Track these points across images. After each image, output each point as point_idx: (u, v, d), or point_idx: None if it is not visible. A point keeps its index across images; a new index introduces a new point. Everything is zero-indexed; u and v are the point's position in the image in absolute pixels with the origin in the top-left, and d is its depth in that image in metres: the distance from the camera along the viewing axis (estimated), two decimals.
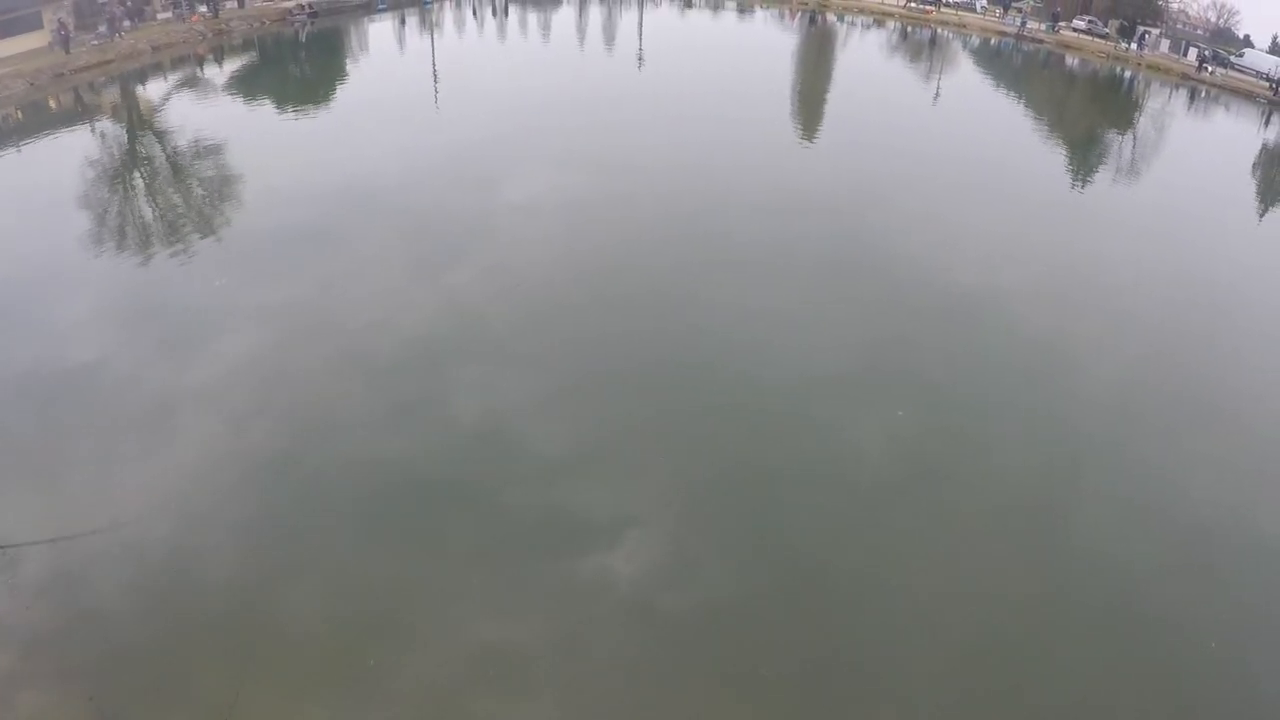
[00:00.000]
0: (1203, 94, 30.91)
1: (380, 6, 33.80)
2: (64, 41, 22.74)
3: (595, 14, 36.08)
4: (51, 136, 17.59)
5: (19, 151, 16.89)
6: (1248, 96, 30.80)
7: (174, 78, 23.29)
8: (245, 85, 22.62)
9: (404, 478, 7.46)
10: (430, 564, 6.70)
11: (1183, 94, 30.67)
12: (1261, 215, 17.31)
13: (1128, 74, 33.43)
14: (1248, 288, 12.99)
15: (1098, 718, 5.98)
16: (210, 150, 17.07)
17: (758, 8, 40.37)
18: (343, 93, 22.01)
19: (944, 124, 19.36)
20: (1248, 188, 19.20)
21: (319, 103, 20.59)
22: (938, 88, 23.16)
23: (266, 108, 20.31)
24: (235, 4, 29.86)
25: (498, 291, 10.41)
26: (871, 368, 8.80)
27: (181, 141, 17.45)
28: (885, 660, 5.96)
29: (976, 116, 21.86)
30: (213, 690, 5.61)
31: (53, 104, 20.80)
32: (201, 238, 13.27)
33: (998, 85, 29.11)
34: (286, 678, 5.81)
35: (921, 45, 35.67)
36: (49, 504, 7.48)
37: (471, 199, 13.44)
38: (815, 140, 16.56)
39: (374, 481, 7.46)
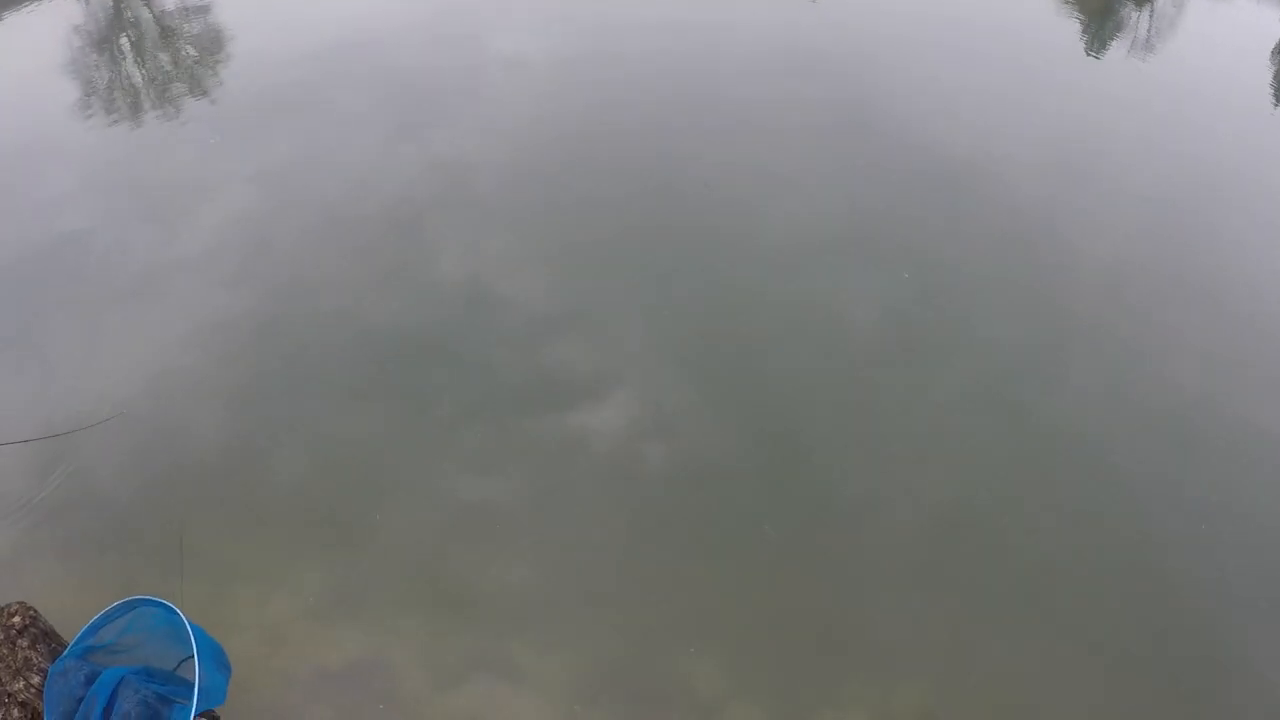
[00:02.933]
0: None
1: None
2: None
3: None
4: (33, 5, 17.16)
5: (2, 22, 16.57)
6: None
7: None
8: None
9: (388, 339, 7.44)
10: (413, 423, 6.77)
11: None
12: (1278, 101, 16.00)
13: None
14: (1261, 176, 12.10)
15: (1067, 577, 6.11)
16: (199, 10, 16.61)
17: None
18: None
19: None
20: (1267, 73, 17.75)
21: None
22: None
23: None
24: None
25: (483, 152, 10.10)
26: (861, 233, 8.44)
27: (169, 3, 16.95)
28: (864, 521, 6.06)
29: None
30: (207, 545, 5.83)
31: None
32: (193, 99, 13.03)
33: None
34: (274, 533, 6.02)
35: None
36: (32, 389, 7.61)
37: (459, 57, 12.92)
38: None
39: (359, 343, 7.54)
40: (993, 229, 8.71)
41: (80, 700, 3.62)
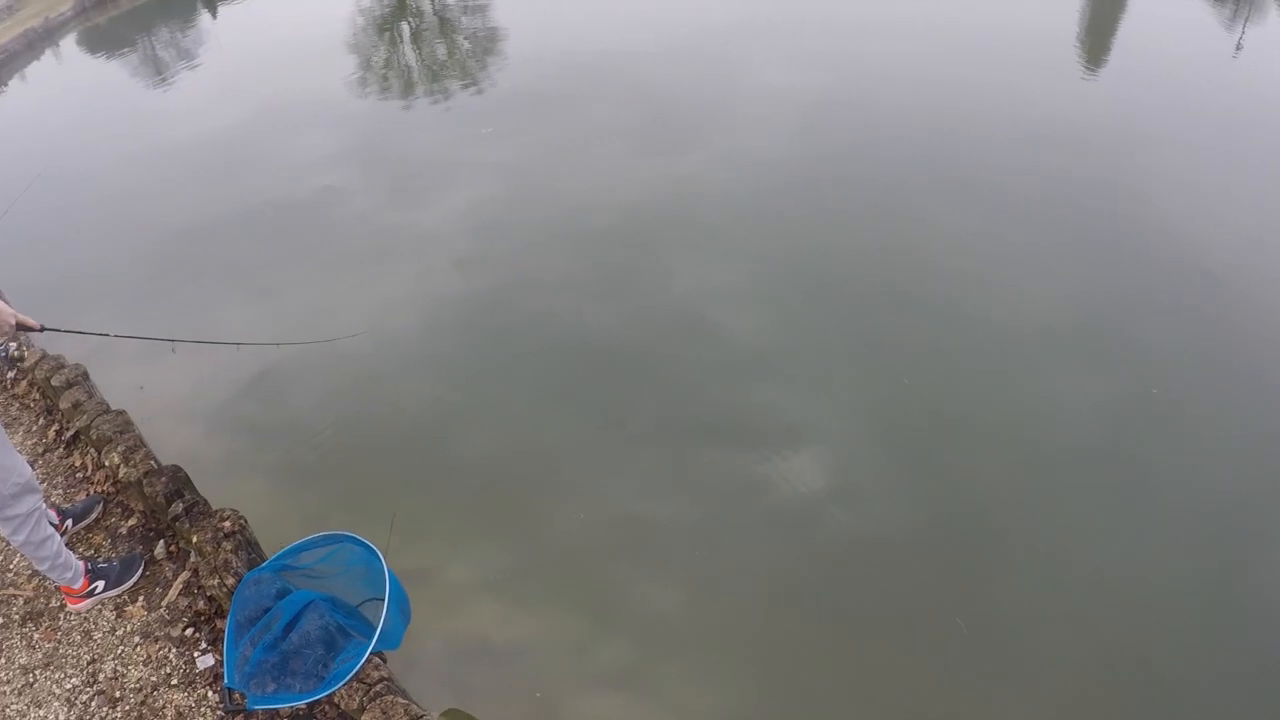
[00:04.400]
0: None
1: None
2: None
3: None
4: None
5: None
6: None
7: None
8: None
9: (594, 347, 7.42)
10: (600, 432, 6.60)
11: None
12: None
13: None
14: None
15: None
16: (477, 8, 17.67)
17: None
18: None
19: (1247, 78, 15.78)
20: None
21: None
22: (1241, 36, 18.86)
23: None
24: None
25: (725, 181, 10.09)
26: (1088, 324, 7.66)
27: None
28: (1032, 627, 5.18)
29: None
30: (379, 501, 5.83)
31: None
32: (461, 89, 13.80)
33: None
34: (462, 502, 6.06)
35: None
36: (273, 314, 8.26)
37: (713, 84, 13.11)
38: (1099, 70, 14.52)
39: (564, 345, 7.48)
40: (1241, 352, 7.39)
41: (266, 610, 3.72)
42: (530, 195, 10.18)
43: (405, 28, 17.22)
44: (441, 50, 16.33)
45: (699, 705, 4.87)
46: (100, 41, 23.28)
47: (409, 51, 16.19)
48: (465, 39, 16.54)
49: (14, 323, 3.62)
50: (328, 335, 6.98)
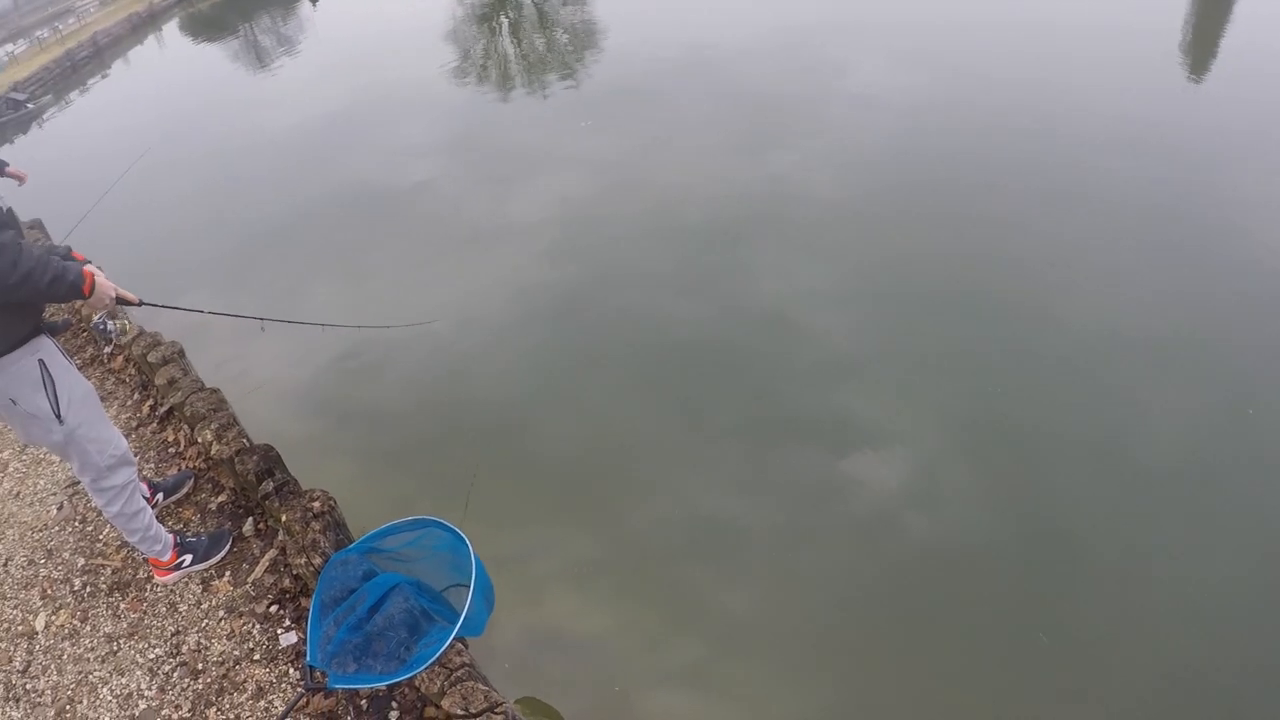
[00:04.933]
0: None
1: None
2: None
3: None
4: None
5: None
6: None
7: None
8: None
9: (678, 343, 7.36)
10: (681, 428, 6.51)
11: None
12: None
13: None
14: None
15: None
16: (575, 1, 17.79)
17: None
18: None
19: None
20: None
21: None
22: None
23: None
24: None
25: (815, 184, 9.93)
26: (1181, 340, 7.29)
27: None
28: (1110, 646, 4.94)
29: None
30: (460, 487, 5.93)
31: None
32: (559, 82, 13.89)
33: None
34: (543, 492, 6.06)
35: None
36: (361, 297, 8.36)
37: (806, 86, 12.95)
38: (1204, 76, 13.87)
39: (650, 339, 7.44)
40: None
41: (352, 591, 3.73)
42: (621, 189, 10.18)
43: (504, 20, 17.37)
44: (540, 43, 16.45)
45: (771, 708, 4.80)
46: (202, 26, 23.99)
47: (507, 43, 16.33)
48: (563, 32, 16.64)
49: (114, 295, 3.69)
50: (414, 320, 7.05)
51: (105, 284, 3.54)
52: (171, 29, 25.01)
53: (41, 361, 3.54)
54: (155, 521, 4.24)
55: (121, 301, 3.70)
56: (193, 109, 16.01)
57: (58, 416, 3.62)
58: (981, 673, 4.90)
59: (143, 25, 25.36)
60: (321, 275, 8.79)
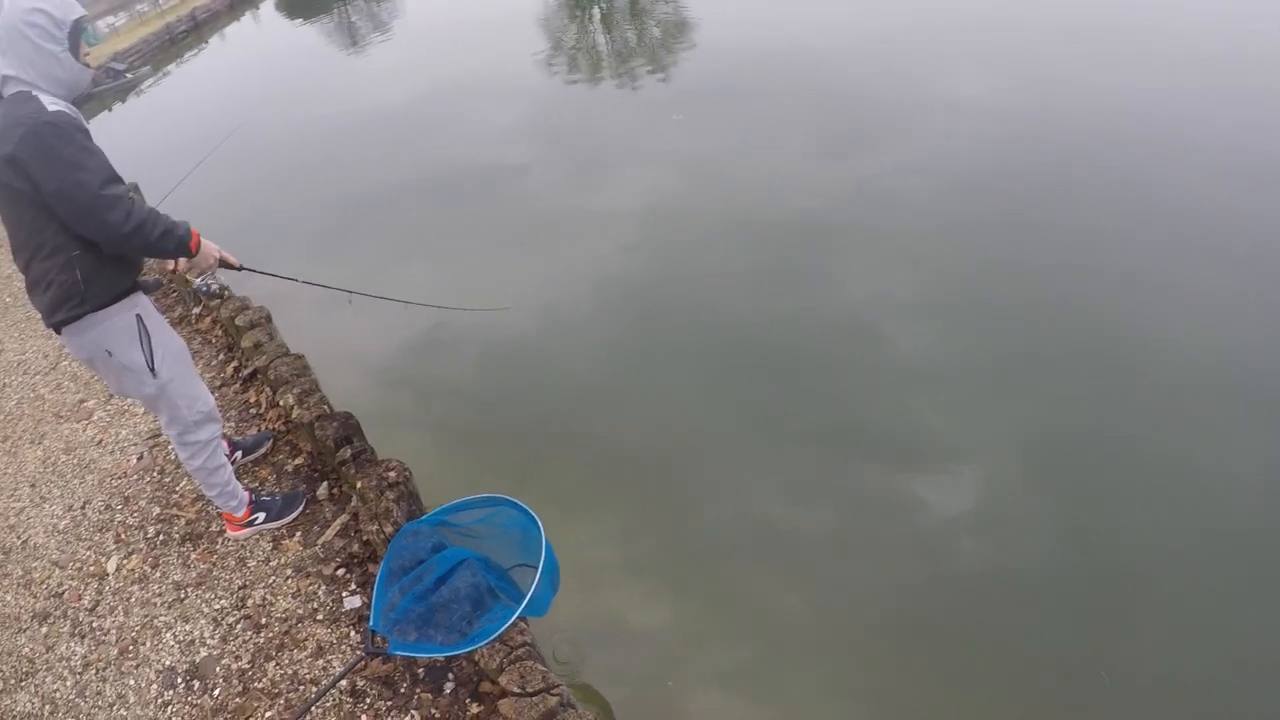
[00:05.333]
0: None
1: None
2: None
3: None
4: None
5: None
6: None
7: None
8: None
9: (754, 345, 7.30)
10: (749, 431, 6.47)
11: None
12: None
13: None
14: None
15: None
16: None
17: None
18: None
19: None
20: None
21: None
22: None
23: None
24: None
25: (903, 189, 9.79)
26: (1274, 386, 6.96)
27: None
28: (1169, 694, 4.78)
29: None
30: (522, 457, 6.19)
31: None
32: (649, 74, 13.93)
33: None
34: (608, 482, 6.10)
35: None
36: (443, 278, 8.52)
37: (898, 90, 12.77)
38: None
39: (725, 340, 7.39)
40: None
41: (420, 562, 3.78)
42: (705, 186, 10.18)
43: (596, 11, 17.48)
44: (631, 35, 16.52)
45: (827, 717, 4.79)
46: (297, 6, 24.50)
47: (599, 34, 16.44)
48: (655, 25, 16.68)
49: (218, 257, 3.85)
50: (493, 304, 7.13)
51: (210, 245, 3.66)
52: (268, 7, 25.59)
53: (139, 316, 3.67)
54: (234, 479, 4.35)
55: (223, 264, 3.83)
56: (286, 87, 16.39)
57: (151, 370, 3.75)
58: (1036, 705, 4.82)
59: (240, 2, 25.99)
60: (405, 254, 8.95)
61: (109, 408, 6.10)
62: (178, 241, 3.51)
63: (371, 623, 3.64)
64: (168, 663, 4.09)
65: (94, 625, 4.37)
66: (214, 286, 4.35)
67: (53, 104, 3.24)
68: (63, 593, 4.59)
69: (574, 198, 9.92)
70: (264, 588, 4.37)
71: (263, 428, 5.42)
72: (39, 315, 3.65)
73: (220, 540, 4.68)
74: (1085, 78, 12.52)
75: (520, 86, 13.57)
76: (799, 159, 10.62)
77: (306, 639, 4.06)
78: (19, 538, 5.03)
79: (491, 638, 3.53)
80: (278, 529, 4.64)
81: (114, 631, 4.31)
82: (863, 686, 4.95)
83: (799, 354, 7.31)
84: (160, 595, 4.45)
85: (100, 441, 5.74)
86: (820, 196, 9.69)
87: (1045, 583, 5.47)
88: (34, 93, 3.25)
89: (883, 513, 5.92)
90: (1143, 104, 11.30)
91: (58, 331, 3.63)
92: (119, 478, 5.32)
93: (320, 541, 4.55)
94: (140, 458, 5.42)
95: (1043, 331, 7.53)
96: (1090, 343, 7.39)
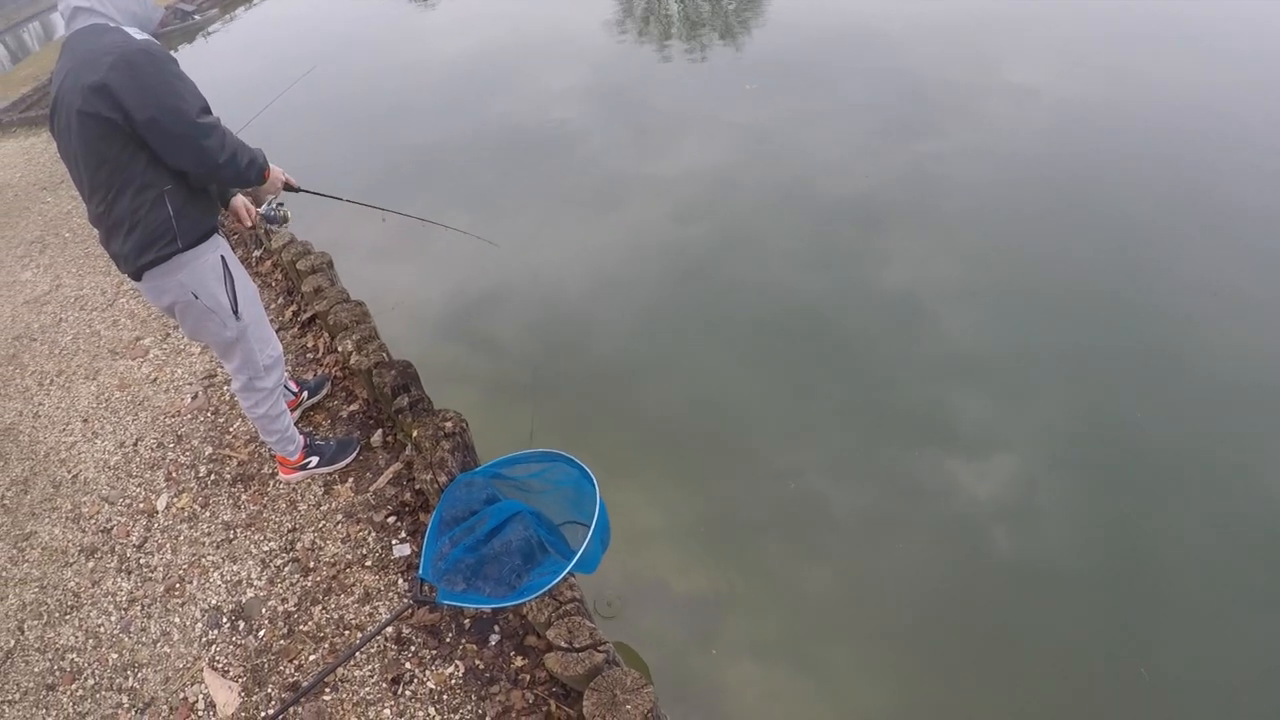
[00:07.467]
0: None
1: None
2: None
3: None
4: None
5: None
6: None
7: None
8: None
9: (800, 322, 7.26)
10: (788, 407, 6.50)
11: None
12: None
13: None
14: None
15: None
16: None
17: None
18: None
19: None
20: None
21: None
22: None
23: None
24: None
25: (960, 173, 9.64)
26: None
27: None
28: (1194, 698, 4.72)
29: None
30: (569, 416, 6.26)
31: None
32: (720, 45, 13.87)
33: None
34: (654, 449, 6.15)
35: None
36: (494, 233, 8.47)
37: (964, 74, 12.57)
38: None
39: (772, 316, 7.34)
40: None
41: (473, 513, 3.81)
42: (764, 159, 10.12)
43: None
44: (705, 4, 16.44)
45: (850, 697, 4.79)
46: None
47: (671, 3, 16.37)
48: None
49: (284, 179, 3.91)
50: (530, 264, 7.43)
51: (276, 169, 3.71)
52: None
53: (223, 258, 3.70)
54: (293, 424, 4.42)
55: (288, 187, 3.90)
56: (354, 36, 16.51)
57: (235, 313, 3.78)
58: (1068, 696, 4.80)
59: None
60: (457, 207, 9.01)
61: (165, 346, 6.19)
62: (259, 169, 3.57)
63: (420, 571, 3.67)
64: (214, 602, 4.16)
65: (141, 562, 4.45)
66: (283, 210, 4.41)
67: (139, 34, 3.26)
68: (111, 528, 4.67)
69: (631, 163, 9.93)
70: (314, 531, 4.42)
71: (318, 372, 5.48)
72: (105, 255, 3.66)
73: (272, 483, 4.74)
74: (1150, 72, 12.27)
75: (588, 48, 13.65)
76: (861, 137, 10.53)
77: (354, 585, 4.11)
78: (69, 472, 5.13)
79: (540, 592, 3.55)
80: (330, 474, 4.70)
81: (161, 569, 4.39)
82: (895, 668, 4.94)
83: (843, 331, 7.28)
84: (209, 535, 4.52)
85: (155, 379, 5.84)
86: (878, 175, 9.61)
87: (1078, 577, 5.42)
88: (112, 24, 3.27)
89: (922, 494, 5.89)
90: (1207, 100, 11.07)
91: (137, 277, 3.59)
92: (172, 416, 5.41)
93: (372, 488, 4.59)
94: (195, 397, 5.51)
95: (1090, 324, 7.44)
96: (1138, 338, 7.28)
